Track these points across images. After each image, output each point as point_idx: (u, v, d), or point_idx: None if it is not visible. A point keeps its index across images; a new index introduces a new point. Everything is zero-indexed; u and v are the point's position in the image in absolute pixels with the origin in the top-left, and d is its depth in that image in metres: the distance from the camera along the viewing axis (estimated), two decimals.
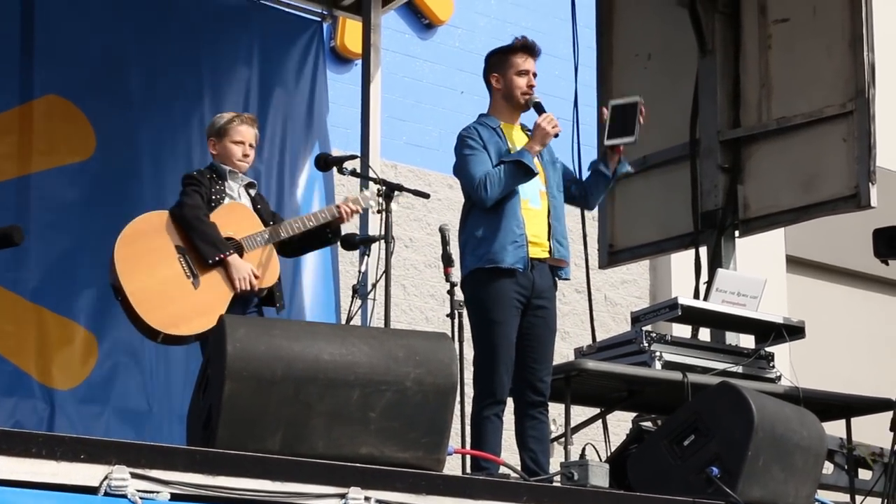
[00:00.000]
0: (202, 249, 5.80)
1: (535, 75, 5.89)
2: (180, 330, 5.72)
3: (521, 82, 5.84)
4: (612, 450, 6.99)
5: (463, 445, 5.74)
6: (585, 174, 6.05)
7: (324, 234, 6.18)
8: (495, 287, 5.63)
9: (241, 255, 5.88)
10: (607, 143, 5.81)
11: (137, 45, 7.67)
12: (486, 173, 5.69)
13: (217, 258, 5.80)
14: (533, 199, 5.76)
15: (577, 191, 6.00)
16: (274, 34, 8.15)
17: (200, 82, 7.82)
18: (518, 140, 5.85)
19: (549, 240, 5.75)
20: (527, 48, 5.88)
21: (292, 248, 6.25)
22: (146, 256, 5.79)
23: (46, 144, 7.32)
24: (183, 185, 6.01)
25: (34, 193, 7.22)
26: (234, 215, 5.98)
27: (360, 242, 5.92)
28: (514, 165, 5.66)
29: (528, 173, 5.66)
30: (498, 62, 5.91)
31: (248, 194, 6.13)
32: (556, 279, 5.79)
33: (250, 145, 6.14)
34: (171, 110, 7.71)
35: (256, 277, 5.85)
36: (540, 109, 5.79)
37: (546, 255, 5.73)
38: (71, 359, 7.17)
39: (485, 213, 5.73)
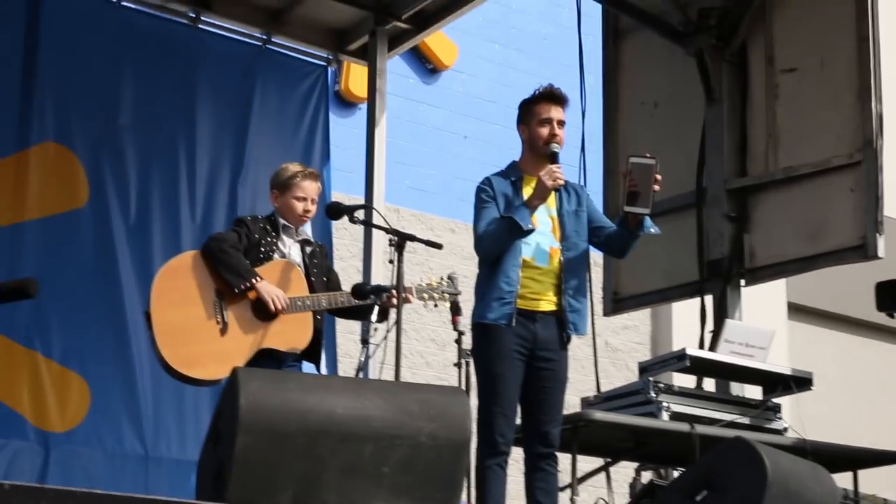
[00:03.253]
0: (228, 279, 5.77)
1: (561, 123, 5.77)
2: (193, 372, 5.69)
3: (543, 132, 5.74)
4: (615, 499, 6.94)
5: (468, 497, 5.67)
6: (612, 227, 5.89)
7: (369, 311, 5.88)
8: (492, 340, 5.61)
9: (276, 316, 5.82)
10: (626, 209, 5.70)
11: (135, 89, 7.66)
12: (485, 229, 5.67)
13: (243, 287, 5.76)
14: (539, 257, 5.68)
15: (602, 240, 5.90)
16: (276, 79, 8.14)
17: (194, 128, 7.80)
18: None
19: (558, 294, 5.68)
20: (549, 96, 5.78)
21: (344, 312, 6.18)
22: (183, 292, 5.78)
23: (41, 192, 7.30)
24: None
25: (28, 240, 7.20)
26: (281, 274, 5.93)
27: (370, 292, 5.85)
28: (507, 222, 5.60)
29: (520, 231, 5.58)
30: (524, 113, 5.84)
31: (303, 251, 6.09)
32: (564, 334, 5.69)
33: (312, 200, 6.12)
34: (164, 157, 7.69)
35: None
36: (553, 160, 5.71)
37: (552, 308, 5.67)
38: (64, 402, 7.15)
39: (486, 267, 5.71)
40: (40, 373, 7.09)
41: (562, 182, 5.64)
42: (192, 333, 5.74)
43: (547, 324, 5.65)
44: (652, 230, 5.80)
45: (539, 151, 5.77)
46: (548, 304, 5.67)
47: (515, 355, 5.59)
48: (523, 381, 5.63)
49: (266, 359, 5.79)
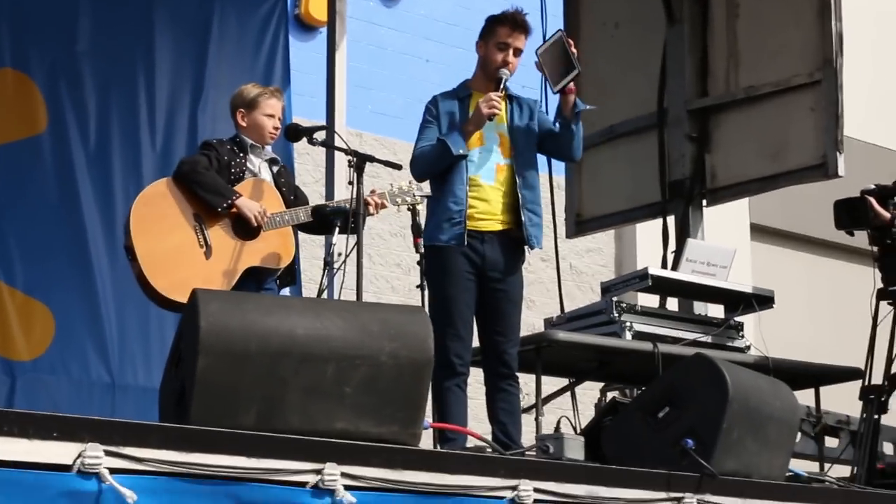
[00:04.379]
0: (208, 200, 5.74)
1: (518, 51, 5.75)
2: (181, 296, 5.64)
3: (499, 56, 5.73)
4: (581, 419, 7.00)
5: (432, 417, 5.71)
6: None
7: (334, 224, 5.92)
8: (442, 262, 5.63)
9: (257, 235, 5.81)
10: (556, 88, 5.72)
11: (93, 15, 7.53)
12: (419, 150, 5.68)
13: (225, 205, 5.74)
14: (486, 174, 5.69)
15: (551, 146, 5.91)
16: (235, 3, 8.02)
17: (153, 55, 7.68)
18: None
19: (512, 212, 5.68)
20: (513, 21, 5.75)
21: (310, 228, 6.15)
22: (162, 220, 5.76)
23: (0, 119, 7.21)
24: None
25: None
26: (257, 192, 5.90)
27: (330, 214, 5.84)
28: (440, 145, 5.63)
29: (450, 156, 5.59)
30: (485, 30, 5.82)
31: (271, 170, 6.07)
32: (528, 247, 5.72)
33: (279, 118, 6.10)
34: (123, 85, 7.58)
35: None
36: (498, 86, 5.68)
37: (502, 227, 5.68)
38: (29, 331, 7.11)
39: (435, 187, 5.74)
40: (4, 301, 7.04)
41: (498, 111, 5.64)
42: (178, 260, 5.72)
43: (496, 244, 5.67)
44: (587, 106, 5.80)
45: (489, 74, 5.76)
46: (497, 223, 5.69)
47: (467, 276, 5.62)
48: (478, 302, 5.65)
49: (249, 278, 5.79)
